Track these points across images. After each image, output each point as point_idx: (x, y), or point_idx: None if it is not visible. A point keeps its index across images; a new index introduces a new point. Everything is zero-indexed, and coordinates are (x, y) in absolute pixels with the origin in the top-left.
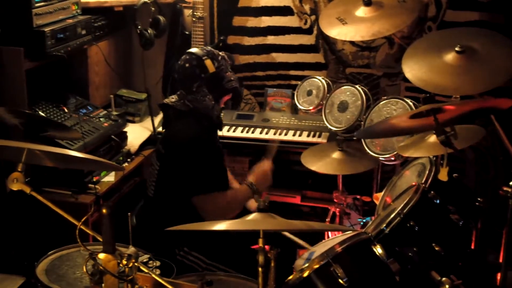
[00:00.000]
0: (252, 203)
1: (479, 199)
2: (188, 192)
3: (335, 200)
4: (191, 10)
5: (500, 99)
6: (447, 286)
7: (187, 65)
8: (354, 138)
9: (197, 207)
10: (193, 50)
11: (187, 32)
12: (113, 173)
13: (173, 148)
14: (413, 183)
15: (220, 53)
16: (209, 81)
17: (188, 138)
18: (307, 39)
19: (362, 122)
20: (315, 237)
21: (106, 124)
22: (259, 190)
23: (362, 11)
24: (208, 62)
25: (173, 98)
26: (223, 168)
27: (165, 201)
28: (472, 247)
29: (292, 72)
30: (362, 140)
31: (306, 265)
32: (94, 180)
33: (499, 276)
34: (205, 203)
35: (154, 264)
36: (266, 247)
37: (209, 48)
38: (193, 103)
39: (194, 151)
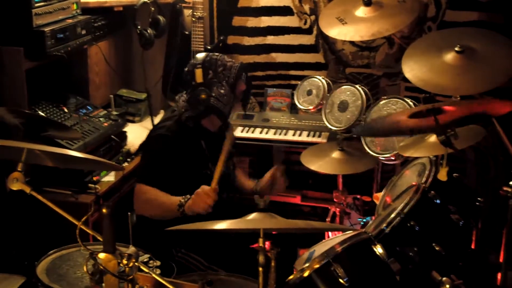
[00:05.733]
0: (245, 181)
1: (479, 199)
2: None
3: (335, 200)
4: (191, 10)
5: (499, 103)
6: (447, 286)
7: (186, 68)
8: (354, 136)
9: None
10: (199, 55)
11: (186, 32)
12: (113, 173)
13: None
14: (413, 183)
15: (234, 64)
16: (196, 90)
17: (153, 132)
18: (307, 39)
19: (362, 122)
20: (316, 237)
21: (106, 124)
22: (185, 212)
23: (362, 11)
24: (198, 71)
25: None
26: (185, 174)
27: None
28: (473, 247)
29: (292, 72)
30: (362, 139)
31: (307, 264)
32: (94, 180)
33: (499, 276)
34: (136, 190)
35: (155, 263)
36: (267, 245)
37: (218, 56)
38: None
39: (150, 141)
